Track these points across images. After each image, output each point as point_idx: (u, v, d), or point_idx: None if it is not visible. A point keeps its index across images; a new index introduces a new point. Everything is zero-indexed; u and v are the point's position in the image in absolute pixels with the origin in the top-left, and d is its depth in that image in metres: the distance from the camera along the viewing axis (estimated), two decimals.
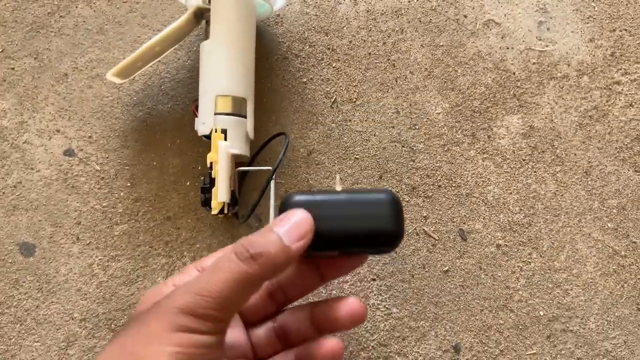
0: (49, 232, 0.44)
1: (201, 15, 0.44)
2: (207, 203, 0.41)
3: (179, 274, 0.33)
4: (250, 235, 0.29)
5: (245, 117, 0.42)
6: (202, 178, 0.42)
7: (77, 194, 0.44)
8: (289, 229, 0.29)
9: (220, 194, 0.40)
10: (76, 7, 0.48)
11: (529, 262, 0.45)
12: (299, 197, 0.32)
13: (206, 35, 0.44)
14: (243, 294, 0.28)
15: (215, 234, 0.44)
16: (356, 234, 0.32)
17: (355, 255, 0.35)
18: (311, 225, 0.30)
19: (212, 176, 0.41)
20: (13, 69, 0.46)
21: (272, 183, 0.39)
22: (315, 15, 0.49)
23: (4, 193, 0.44)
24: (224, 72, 0.42)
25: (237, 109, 0.42)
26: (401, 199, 0.46)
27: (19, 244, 0.43)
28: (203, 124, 0.42)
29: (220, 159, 0.40)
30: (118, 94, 0.46)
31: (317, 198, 0.32)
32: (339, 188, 0.35)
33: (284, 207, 0.33)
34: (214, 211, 0.40)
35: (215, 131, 0.41)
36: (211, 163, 0.41)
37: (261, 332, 0.34)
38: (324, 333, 0.33)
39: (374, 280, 0.44)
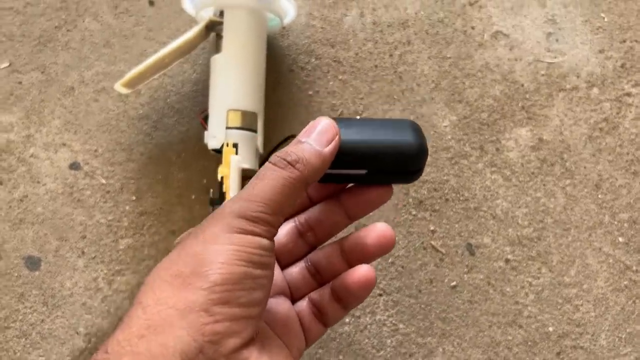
0: (55, 245, 0.44)
1: (212, 28, 0.44)
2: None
3: None
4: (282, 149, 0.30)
5: (255, 131, 0.42)
6: (211, 190, 0.42)
7: (82, 208, 0.44)
8: (316, 136, 0.30)
9: None
10: (83, 21, 0.48)
11: (539, 277, 0.45)
12: None
13: (217, 49, 0.43)
14: (289, 198, 0.28)
15: None
16: (381, 154, 0.32)
17: (378, 184, 0.34)
18: (336, 130, 0.30)
19: (223, 190, 0.40)
20: (20, 82, 0.47)
21: None
22: (322, 27, 0.49)
23: (10, 207, 0.44)
24: (236, 86, 0.42)
25: (248, 124, 0.42)
26: (408, 212, 0.45)
27: (25, 258, 0.43)
28: (214, 138, 0.42)
29: (232, 173, 0.40)
30: (124, 108, 0.46)
31: (341, 120, 0.32)
32: None
33: None
34: None
35: (227, 145, 0.41)
36: (222, 177, 0.40)
37: (295, 271, 0.34)
38: (354, 264, 0.33)
39: (380, 295, 0.44)
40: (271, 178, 0.28)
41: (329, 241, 0.35)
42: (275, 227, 0.28)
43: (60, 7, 0.48)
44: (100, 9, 0.48)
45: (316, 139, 0.30)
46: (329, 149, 0.30)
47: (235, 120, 0.41)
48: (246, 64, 0.43)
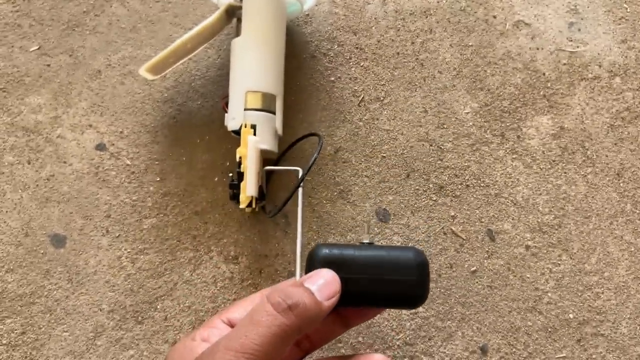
0: (80, 224, 0.44)
1: (233, 13, 0.44)
2: (235, 197, 0.41)
3: (205, 327, 0.33)
4: (282, 285, 0.30)
5: (274, 113, 0.43)
6: (230, 174, 0.42)
7: (107, 188, 0.45)
8: (321, 286, 0.30)
9: (249, 188, 0.40)
10: (110, 6, 0.49)
11: (559, 264, 0.45)
12: (326, 252, 0.33)
13: (237, 33, 0.44)
14: (281, 348, 0.28)
15: (242, 229, 0.45)
16: (381, 296, 0.33)
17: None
18: (339, 286, 0.31)
19: (241, 170, 0.41)
20: (49, 65, 0.47)
21: (300, 191, 0.37)
22: (344, 15, 0.49)
23: (37, 185, 0.45)
24: (254, 68, 0.43)
25: (267, 105, 0.42)
26: (429, 198, 0.46)
27: (51, 236, 0.44)
28: (233, 119, 0.42)
29: (250, 153, 0.41)
30: (149, 91, 0.47)
31: (344, 255, 0.33)
32: (366, 239, 0.36)
33: (311, 261, 0.33)
34: (242, 205, 0.41)
35: (245, 126, 0.41)
36: (240, 157, 0.41)
37: None
38: None
39: None
40: (265, 325, 0.28)
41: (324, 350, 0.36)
42: None
43: None
44: None
45: (320, 289, 0.30)
46: (328, 303, 0.30)
47: (254, 102, 0.42)
48: (265, 47, 0.43)
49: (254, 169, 0.41)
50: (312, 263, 0.33)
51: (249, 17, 0.43)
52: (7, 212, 0.44)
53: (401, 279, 0.33)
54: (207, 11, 0.49)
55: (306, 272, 0.33)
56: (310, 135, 0.44)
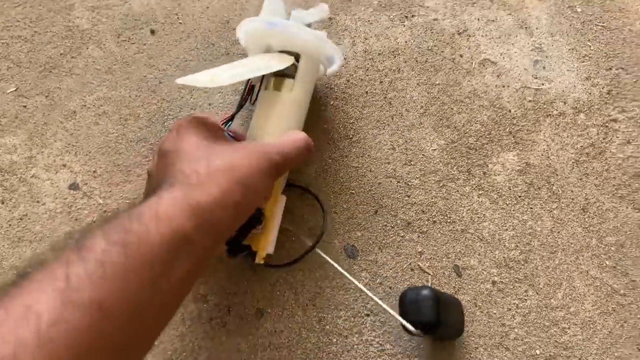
0: None
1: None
2: (233, 252, 0.41)
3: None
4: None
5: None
6: None
7: (80, 227, 0.46)
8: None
9: (270, 247, 0.41)
10: (87, 49, 0.50)
11: (525, 300, 0.45)
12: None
13: (275, 87, 0.43)
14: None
15: (211, 268, 0.45)
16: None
17: None
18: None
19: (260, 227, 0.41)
20: (25, 106, 0.49)
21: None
22: None
23: (10, 225, 0.46)
24: (297, 127, 0.44)
25: None
26: (396, 234, 0.46)
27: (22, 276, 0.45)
28: None
29: (278, 211, 0.42)
30: (123, 131, 0.48)
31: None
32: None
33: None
34: (259, 261, 0.41)
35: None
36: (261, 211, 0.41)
37: None
38: None
39: (367, 315, 0.44)
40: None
41: None
42: None
43: (66, 35, 0.51)
44: (104, 37, 0.51)
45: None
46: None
47: None
48: (305, 109, 0.44)
49: (277, 227, 0.42)
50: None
51: (303, 78, 0.43)
52: None
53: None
54: (180, 53, 0.50)
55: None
56: (307, 191, 0.47)
